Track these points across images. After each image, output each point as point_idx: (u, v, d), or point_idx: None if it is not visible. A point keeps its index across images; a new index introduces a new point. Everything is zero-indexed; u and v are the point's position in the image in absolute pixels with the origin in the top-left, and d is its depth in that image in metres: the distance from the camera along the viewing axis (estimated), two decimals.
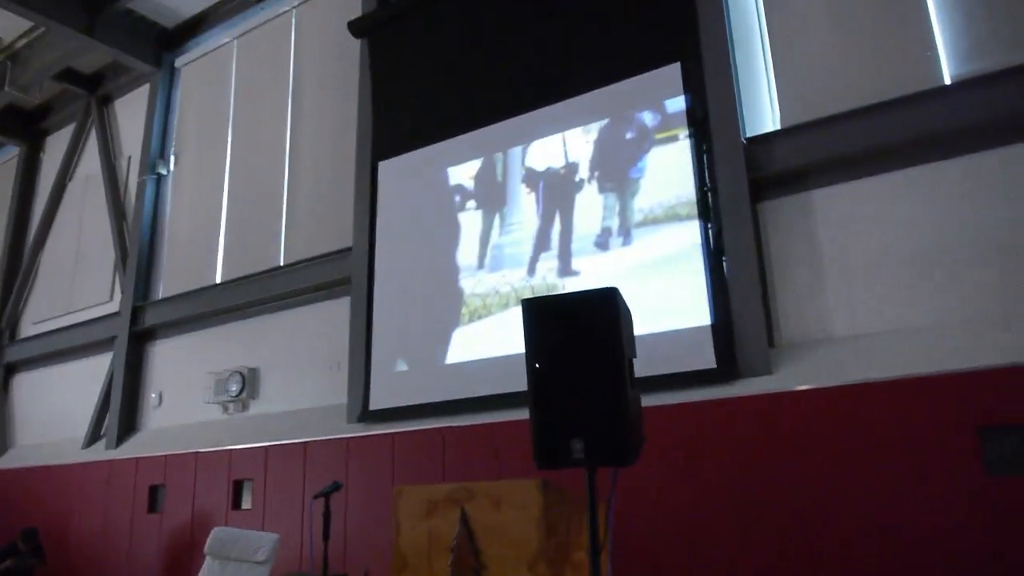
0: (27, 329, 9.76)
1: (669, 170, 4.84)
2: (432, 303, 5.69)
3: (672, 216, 4.76)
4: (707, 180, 4.70)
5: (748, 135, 4.72)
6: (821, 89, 4.59)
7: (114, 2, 8.23)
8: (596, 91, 5.29)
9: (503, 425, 4.98)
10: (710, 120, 4.75)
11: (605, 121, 5.21)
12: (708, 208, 4.66)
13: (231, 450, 6.45)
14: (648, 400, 4.45)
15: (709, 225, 4.64)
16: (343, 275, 6.42)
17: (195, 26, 8.82)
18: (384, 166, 6.34)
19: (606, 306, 1.96)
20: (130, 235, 8.63)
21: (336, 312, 6.51)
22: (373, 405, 5.75)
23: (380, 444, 5.51)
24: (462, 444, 5.12)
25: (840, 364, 4.11)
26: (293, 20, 7.94)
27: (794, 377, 4.17)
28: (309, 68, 7.64)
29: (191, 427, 7.23)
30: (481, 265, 5.54)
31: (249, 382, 6.89)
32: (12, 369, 9.73)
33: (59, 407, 8.84)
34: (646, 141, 4.99)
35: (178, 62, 9.01)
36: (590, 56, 5.42)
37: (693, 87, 4.87)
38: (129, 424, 7.88)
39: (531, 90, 5.63)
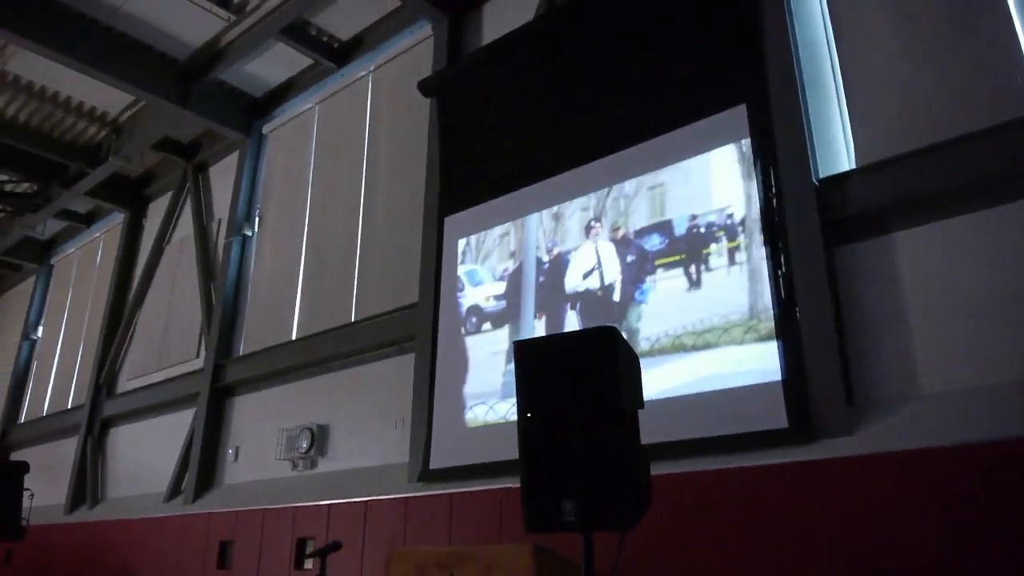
0: (123, 385, 10.16)
1: (737, 216, 4.56)
2: (496, 357, 5.52)
3: (738, 264, 4.46)
4: (776, 224, 4.40)
5: (821, 175, 4.41)
6: (899, 123, 4.25)
7: (206, 75, 8.69)
8: (659, 138, 5.11)
9: None
10: (779, 161, 4.47)
11: (668, 168, 5.00)
12: (778, 253, 4.35)
13: (295, 507, 6.39)
14: (710, 463, 4.15)
15: (780, 272, 4.32)
16: (409, 331, 6.36)
17: (281, 94, 9.21)
18: (450, 221, 6.31)
19: (603, 348, 1.74)
20: (216, 294, 8.91)
21: (404, 368, 6.43)
22: (435, 464, 5.58)
23: (438, 504, 5.31)
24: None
25: (929, 424, 3.66)
26: (370, 83, 8.16)
27: (878, 438, 3.75)
28: (383, 128, 7.79)
29: (263, 483, 7.24)
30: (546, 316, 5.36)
31: (318, 439, 6.87)
32: (108, 423, 10.11)
33: (148, 461, 9.08)
34: (709, 186, 4.74)
35: (265, 128, 9.40)
36: (653, 104, 5.25)
37: (760, 128, 4.61)
38: (207, 479, 7.98)
39: (594, 141, 5.49)
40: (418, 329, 6.19)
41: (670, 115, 5.09)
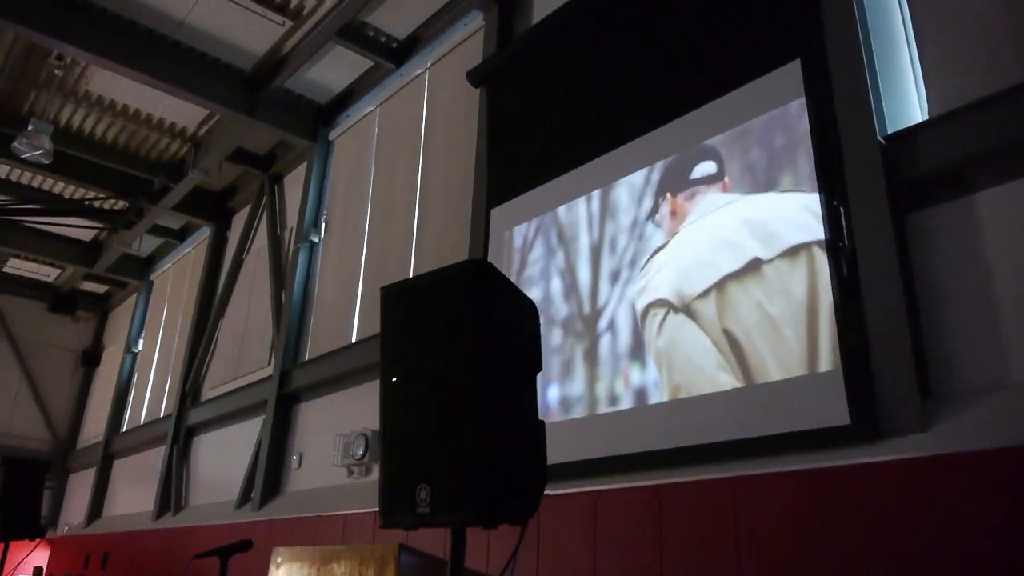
0: (206, 394, 10.37)
1: (790, 186, 4.00)
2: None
3: (791, 240, 3.89)
4: (836, 192, 3.82)
5: (889, 132, 3.79)
6: (981, 62, 3.60)
7: (271, 84, 8.76)
8: (706, 107, 4.60)
9: (604, 493, 4.26)
10: (838, 120, 3.89)
11: (715, 139, 4.48)
12: (839, 226, 3.76)
13: (346, 515, 6.19)
14: (757, 466, 3.61)
15: (841, 245, 3.73)
16: None
17: (346, 99, 9.18)
18: (496, 212, 5.98)
19: (473, 290, 1.34)
20: (285, 302, 8.93)
21: None
22: None
23: None
24: (557, 515, 4.44)
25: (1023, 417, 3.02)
26: (426, 80, 7.98)
27: (959, 435, 3.12)
28: (439, 125, 7.58)
29: (322, 491, 7.10)
30: (591, 308, 4.92)
31: (372, 444, 6.66)
32: (192, 432, 10.33)
33: (224, 468, 9.18)
34: (760, 154, 4.20)
35: (332, 135, 9.39)
36: (701, 70, 4.76)
37: (815, 85, 4.04)
38: (273, 486, 7.94)
39: (641, 116, 5.03)
40: None
41: (718, 80, 4.57)
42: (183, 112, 9.74)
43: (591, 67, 5.61)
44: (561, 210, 5.40)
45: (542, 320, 5.01)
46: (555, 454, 4.57)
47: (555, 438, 4.69)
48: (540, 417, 1.45)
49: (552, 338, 5.03)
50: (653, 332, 4.24)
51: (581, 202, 5.26)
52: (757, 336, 3.76)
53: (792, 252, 3.72)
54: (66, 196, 11.75)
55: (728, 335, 3.90)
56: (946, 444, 3.07)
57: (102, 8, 8.04)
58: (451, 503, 1.30)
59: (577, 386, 4.78)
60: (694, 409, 4.03)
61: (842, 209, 3.78)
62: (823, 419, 3.48)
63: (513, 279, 5.52)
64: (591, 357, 4.75)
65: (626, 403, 4.42)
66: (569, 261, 5.19)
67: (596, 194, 5.15)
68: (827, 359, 3.57)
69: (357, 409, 7.18)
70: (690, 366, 4.01)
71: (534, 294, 5.33)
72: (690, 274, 4.14)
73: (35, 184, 11.70)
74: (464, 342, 1.33)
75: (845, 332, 3.56)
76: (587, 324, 4.87)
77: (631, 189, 4.90)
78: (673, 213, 4.42)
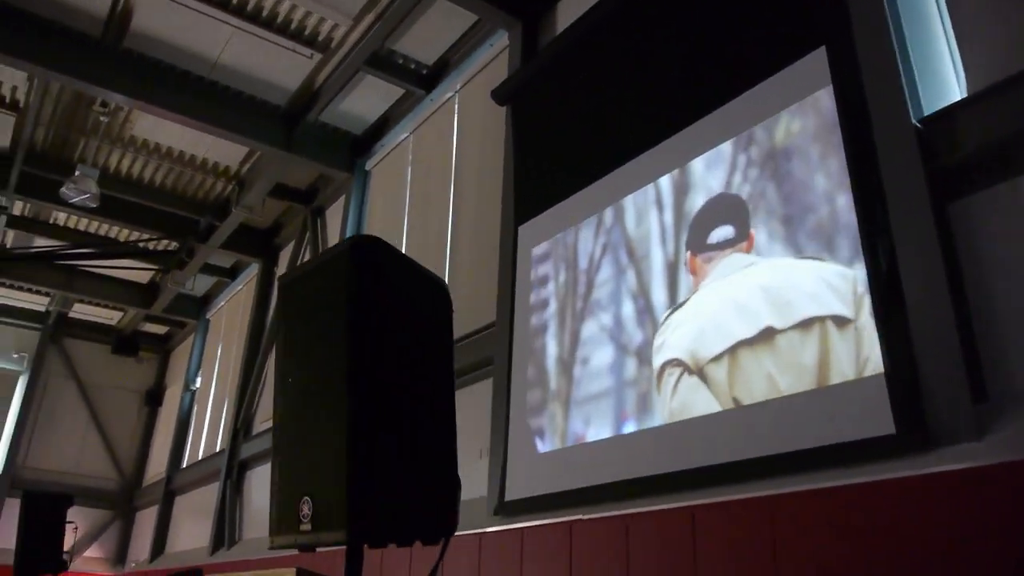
0: (257, 427, 10.41)
1: (820, 181, 3.73)
2: (568, 370, 4.92)
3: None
4: (871, 183, 3.53)
5: (925, 114, 3.50)
6: (1021, 32, 3.29)
7: (306, 117, 8.84)
8: (729, 104, 4.37)
9: (636, 517, 4.00)
10: (869, 107, 3.62)
11: (735, 137, 4.24)
12: (875, 220, 3.47)
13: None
14: (794, 483, 3.32)
15: (878, 241, 3.44)
16: (487, 354, 5.90)
17: (380, 128, 9.20)
18: (524, 229, 5.82)
19: (348, 269, 1.16)
20: None
21: (487, 394, 5.96)
22: (511, 495, 5.03)
23: (511, 539, 4.74)
24: (591, 538, 4.20)
25: None
26: (456, 103, 7.92)
27: (1016, 442, 2.79)
28: (469, 147, 7.50)
29: None
30: (612, 322, 4.70)
31: None
32: (244, 466, 10.37)
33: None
34: (787, 149, 3.95)
35: (368, 165, 9.42)
36: (721, 70, 4.54)
37: (843, 71, 3.78)
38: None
39: (666, 119, 4.82)
40: (495, 351, 5.70)
41: (742, 76, 4.34)
42: (225, 151, 9.91)
43: (613, 75, 5.44)
44: (584, 225, 5.20)
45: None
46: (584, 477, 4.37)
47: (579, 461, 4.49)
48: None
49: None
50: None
51: (607, 213, 5.06)
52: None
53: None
54: (120, 240, 12.08)
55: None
56: (1002, 452, 2.74)
57: (141, 54, 8.26)
58: (330, 520, 1.13)
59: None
60: (725, 424, 3.77)
61: (878, 202, 3.50)
62: (866, 430, 3.18)
63: (534, 297, 5.34)
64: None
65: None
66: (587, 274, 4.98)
67: (628, 203, 4.94)
68: (867, 362, 3.28)
69: None
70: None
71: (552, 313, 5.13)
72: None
73: (90, 229, 12.07)
74: (340, 332, 1.16)
75: (887, 333, 3.26)
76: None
77: (659, 197, 4.68)
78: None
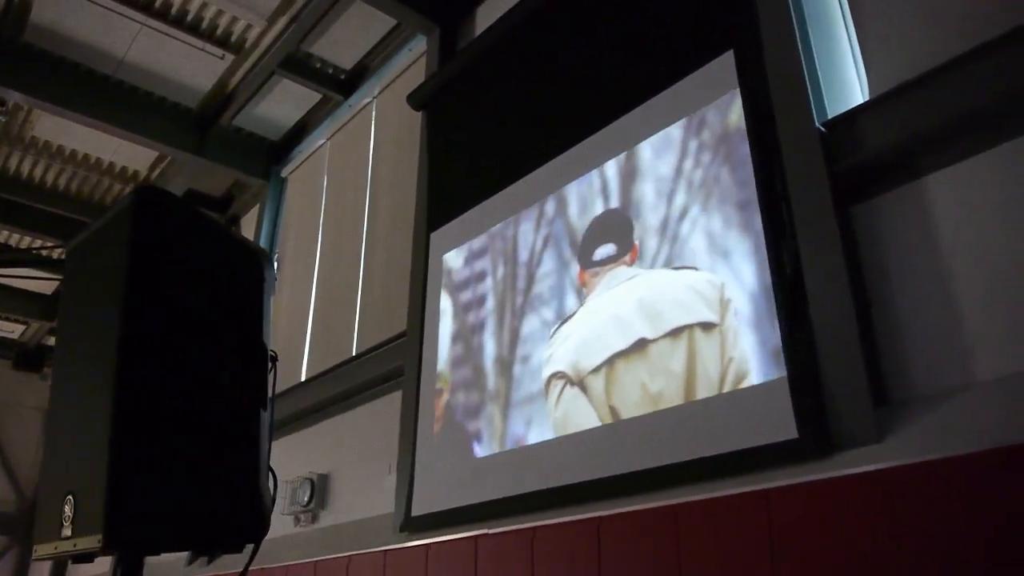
0: None
1: (728, 184, 3.68)
2: (479, 381, 4.75)
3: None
4: (776, 187, 3.50)
5: (828, 118, 3.49)
6: (924, 36, 3.31)
7: (219, 120, 8.50)
8: (636, 110, 4.31)
9: (543, 529, 3.84)
10: (774, 109, 3.59)
11: (643, 144, 4.18)
12: (781, 223, 3.43)
13: (287, 566, 5.73)
14: (699, 491, 3.22)
15: (782, 243, 3.39)
16: (399, 364, 5.68)
17: (297, 135, 8.93)
18: (436, 236, 5.65)
19: (133, 224, 0.98)
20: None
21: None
22: (417, 510, 4.81)
23: (415, 556, 4.52)
24: (497, 552, 4.02)
25: (992, 420, 2.65)
26: (373, 109, 7.73)
27: (913, 444, 2.74)
28: (386, 153, 7.31)
29: (269, 541, 6.62)
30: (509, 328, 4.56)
31: (319, 489, 6.22)
32: None
33: None
34: (693, 154, 3.89)
35: (284, 172, 9.12)
36: (634, 71, 4.48)
37: (750, 76, 3.75)
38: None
39: (575, 125, 4.73)
40: (406, 361, 5.50)
41: (651, 81, 4.29)
42: (133, 155, 9.45)
43: (525, 81, 5.35)
44: (494, 230, 5.07)
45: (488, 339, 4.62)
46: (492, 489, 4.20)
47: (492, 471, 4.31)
48: None
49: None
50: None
51: (512, 223, 4.93)
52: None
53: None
54: (19, 247, 11.40)
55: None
56: (900, 454, 2.69)
57: (42, 50, 7.80)
58: (89, 522, 0.94)
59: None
60: (630, 432, 3.66)
61: (783, 204, 3.46)
62: (770, 435, 3.11)
63: (451, 306, 5.17)
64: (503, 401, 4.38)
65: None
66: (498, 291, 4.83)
67: (531, 213, 4.82)
68: (768, 366, 3.22)
69: (306, 452, 6.75)
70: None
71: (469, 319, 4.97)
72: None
73: None
74: (116, 299, 0.97)
75: (790, 338, 3.21)
76: (503, 368, 4.51)
77: (572, 202, 4.58)
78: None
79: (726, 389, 3.34)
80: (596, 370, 3.93)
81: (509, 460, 4.32)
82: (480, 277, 5.07)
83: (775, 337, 3.24)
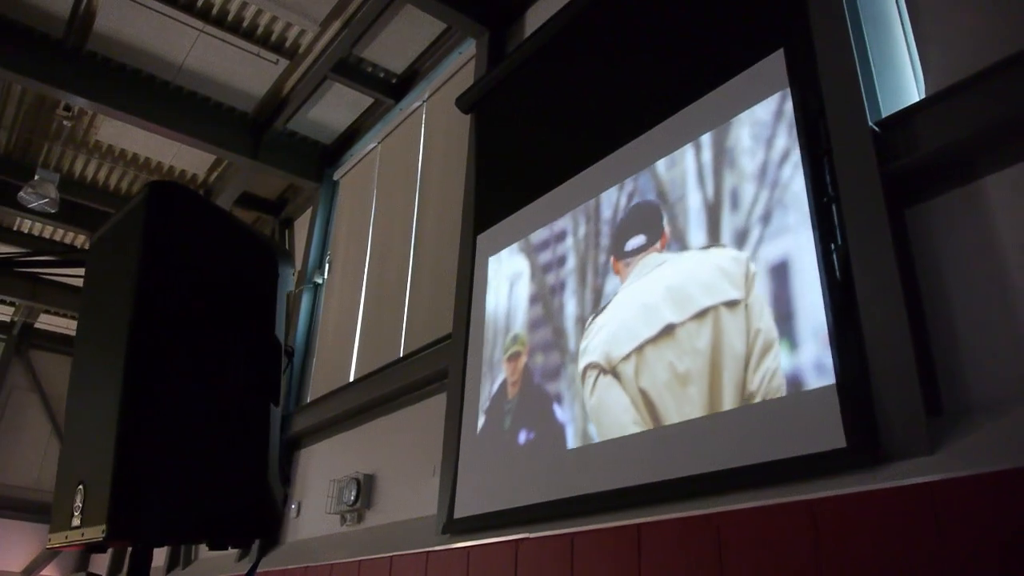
0: None
1: (778, 186, 3.59)
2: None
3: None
4: (828, 188, 3.40)
5: (881, 117, 3.37)
6: (981, 33, 3.18)
7: (273, 125, 8.67)
8: (687, 108, 4.24)
9: (583, 535, 3.80)
10: (825, 108, 3.49)
11: (693, 146, 4.11)
12: (832, 225, 3.33)
13: (332, 564, 5.79)
14: (742, 499, 3.14)
15: (834, 247, 3.29)
16: (444, 366, 5.70)
17: (349, 138, 9.05)
18: (483, 238, 5.66)
19: (147, 215, 0.99)
20: (289, 346, 8.69)
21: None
22: (460, 512, 4.81)
23: (457, 559, 4.52)
24: (537, 556, 3.99)
25: None
26: (424, 113, 7.79)
27: (971, 456, 2.62)
28: (436, 156, 7.36)
29: (315, 540, 6.72)
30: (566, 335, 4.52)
31: (365, 489, 6.27)
32: None
33: None
34: (744, 156, 3.81)
35: (336, 175, 9.26)
36: (685, 70, 4.42)
37: (801, 74, 3.66)
38: (274, 537, 7.58)
39: (618, 129, 4.69)
40: (450, 363, 5.51)
41: (702, 79, 4.22)
42: (191, 158, 9.73)
43: (572, 83, 5.33)
44: (539, 234, 5.04)
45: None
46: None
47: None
48: None
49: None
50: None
51: (551, 227, 4.92)
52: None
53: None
54: (83, 247, 11.82)
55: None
56: (952, 466, 2.58)
57: (106, 58, 8.09)
58: (96, 513, 0.94)
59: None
60: (673, 437, 3.59)
61: (834, 207, 3.36)
62: (817, 443, 3.01)
63: (503, 303, 5.16)
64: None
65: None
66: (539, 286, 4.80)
67: (579, 213, 4.78)
68: (817, 372, 3.13)
69: (354, 452, 6.83)
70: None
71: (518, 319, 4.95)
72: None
73: (55, 237, 11.80)
74: (131, 289, 0.98)
75: (840, 344, 3.11)
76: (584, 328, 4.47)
77: (600, 207, 4.53)
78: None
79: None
80: (626, 358, 4.00)
81: (551, 464, 4.29)
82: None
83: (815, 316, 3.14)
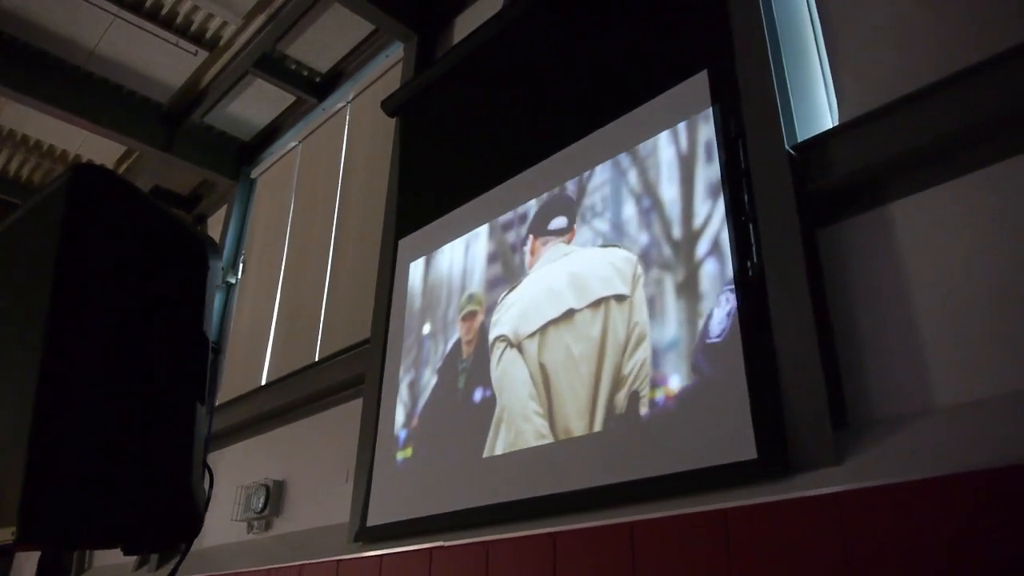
0: None
1: (697, 205, 3.69)
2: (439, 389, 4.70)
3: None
4: (746, 207, 3.51)
5: (797, 141, 3.52)
6: (895, 63, 3.36)
7: (189, 117, 8.37)
8: (609, 125, 4.32)
9: (497, 543, 3.79)
10: (746, 131, 3.61)
11: (612, 160, 4.19)
12: (748, 243, 3.44)
13: (238, 573, 5.59)
14: (656, 508, 3.20)
15: (749, 264, 3.40)
16: (361, 371, 5.60)
17: (270, 136, 8.83)
18: (404, 243, 5.60)
19: (68, 199, 0.93)
20: None
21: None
22: (373, 520, 4.72)
23: (368, 567, 4.44)
24: (451, 564, 3.96)
25: (946, 445, 2.66)
26: (347, 113, 7.67)
27: (875, 467, 2.75)
28: (358, 159, 7.25)
29: (219, 548, 6.47)
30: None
31: (274, 496, 6.09)
32: None
33: None
34: (663, 173, 3.90)
35: (254, 173, 9.00)
36: (609, 87, 4.49)
37: (722, 96, 3.77)
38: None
39: (543, 140, 4.73)
40: (367, 368, 5.42)
41: (625, 97, 4.30)
42: (100, 148, 9.27)
43: (499, 92, 5.36)
44: (458, 242, 5.04)
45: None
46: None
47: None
48: None
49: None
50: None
51: (469, 236, 4.94)
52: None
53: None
54: None
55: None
56: (858, 477, 2.69)
57: (11, 37, 7.63)
58: (6, 514, 0.88)
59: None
60: (586, 447, 3.63)
61: (751, 226, 3.47)
62: (729, 454, 3.10)
63: (416, 314, 5.12)
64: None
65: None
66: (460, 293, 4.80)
67: (486, 227, 4.81)
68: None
69: (264, 458, 6.62)
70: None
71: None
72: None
73: None
74: (47, 279, 0.91)
75: (752, 359, 3.21)
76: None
77: (517, 218, 4.57)
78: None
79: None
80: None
81: (464, 473, 4.26)
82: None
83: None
